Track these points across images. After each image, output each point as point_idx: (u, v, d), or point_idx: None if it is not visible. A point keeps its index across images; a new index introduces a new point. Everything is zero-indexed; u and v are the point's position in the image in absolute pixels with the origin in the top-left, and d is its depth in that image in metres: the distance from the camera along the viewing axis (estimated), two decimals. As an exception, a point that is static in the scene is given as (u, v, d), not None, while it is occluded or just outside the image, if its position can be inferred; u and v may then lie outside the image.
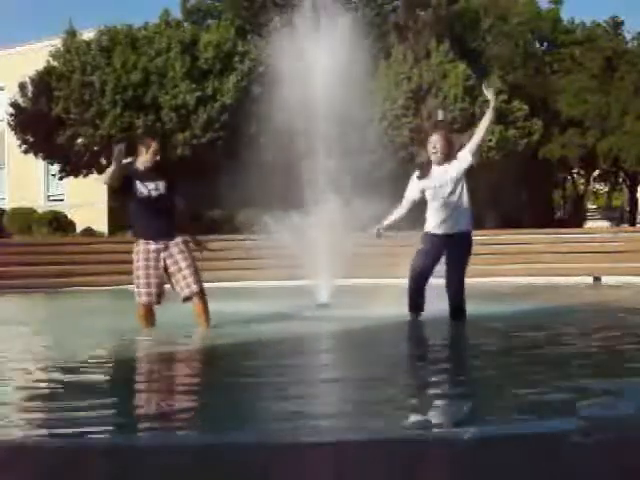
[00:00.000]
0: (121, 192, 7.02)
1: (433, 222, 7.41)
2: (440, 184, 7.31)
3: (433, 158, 7.34)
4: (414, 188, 7.49)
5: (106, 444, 3.11)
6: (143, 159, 6.94)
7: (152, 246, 6.96)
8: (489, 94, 7.37)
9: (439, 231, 7.36)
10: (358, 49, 11.34)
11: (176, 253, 6.97)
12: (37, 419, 3.66)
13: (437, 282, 7.38)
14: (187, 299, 7.07)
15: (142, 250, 6.95)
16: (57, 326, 8.57)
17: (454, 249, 7.30)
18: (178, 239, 7.04)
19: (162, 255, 6.97)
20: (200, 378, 5.01)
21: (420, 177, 7.45)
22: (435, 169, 7.37)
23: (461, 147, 7.54)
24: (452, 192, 7.29)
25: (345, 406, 3.80)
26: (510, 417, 3.48)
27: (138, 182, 6.89)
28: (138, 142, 7.18)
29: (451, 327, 7.21)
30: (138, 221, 7.03)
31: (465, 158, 7.32)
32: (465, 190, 7.34)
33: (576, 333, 6.80)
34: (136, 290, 7.01)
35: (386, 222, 7.63)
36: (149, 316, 7.08)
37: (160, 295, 7.06)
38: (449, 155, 7.35)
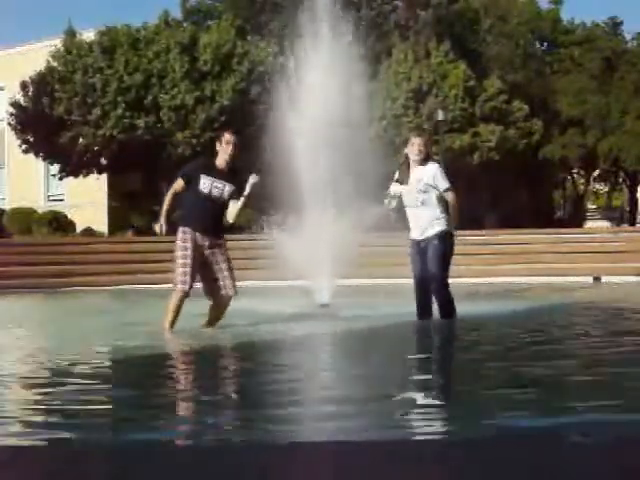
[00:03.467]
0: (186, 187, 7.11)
1: (410, 227, 7.46)
2: (409, 191, 7.32)
3: (414, 159, 7.35)
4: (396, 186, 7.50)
5: (106, 444, 3.11)
6: (220, 155, 7.07)
7: (199, 239, 7.00)
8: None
9: (413, 236, 7.41)
10: (358, 49, 11.34)
11: (219, 254, 7.06)
12: (37, 419, 3.66)
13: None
14: (219, 298, 7.11)
15: (190, 239, 6.97)
16: (57, 326, 8.56)
17: (428, 252, 7.28)
18: (222, 240, 7.16)
19: (206, 252, 7.03)
20: (200, 378, 5.00)
21: (400, 182, 7.47)
22: (411, 175, 7.37)
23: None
24: (420, 199, 7.28)
25: (345, 406, 3.80)
26: (510, 417, 3.48)
27: (204, 175, 7.01)
28: (216, 138, 7.28)
29: (447, 327, 7.21)
30: (191, 211, 7.05)
31: (437, 180, 7.25)
32: (435, 198, 7.26)
33: (576, 334, 6.81)
34: (173, 276, 6.98)
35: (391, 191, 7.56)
36: (179, 309, 6.94)
37: (191, 287, 7.00)
38: (426, 160, 7.38)
